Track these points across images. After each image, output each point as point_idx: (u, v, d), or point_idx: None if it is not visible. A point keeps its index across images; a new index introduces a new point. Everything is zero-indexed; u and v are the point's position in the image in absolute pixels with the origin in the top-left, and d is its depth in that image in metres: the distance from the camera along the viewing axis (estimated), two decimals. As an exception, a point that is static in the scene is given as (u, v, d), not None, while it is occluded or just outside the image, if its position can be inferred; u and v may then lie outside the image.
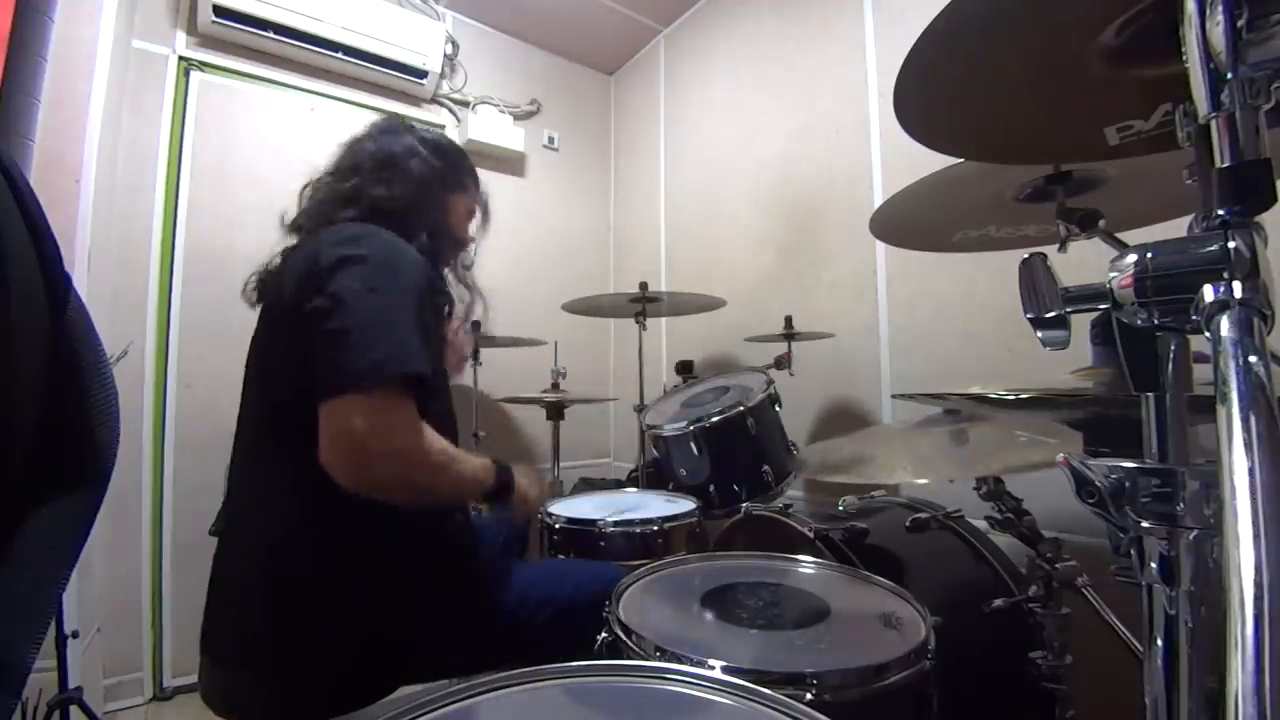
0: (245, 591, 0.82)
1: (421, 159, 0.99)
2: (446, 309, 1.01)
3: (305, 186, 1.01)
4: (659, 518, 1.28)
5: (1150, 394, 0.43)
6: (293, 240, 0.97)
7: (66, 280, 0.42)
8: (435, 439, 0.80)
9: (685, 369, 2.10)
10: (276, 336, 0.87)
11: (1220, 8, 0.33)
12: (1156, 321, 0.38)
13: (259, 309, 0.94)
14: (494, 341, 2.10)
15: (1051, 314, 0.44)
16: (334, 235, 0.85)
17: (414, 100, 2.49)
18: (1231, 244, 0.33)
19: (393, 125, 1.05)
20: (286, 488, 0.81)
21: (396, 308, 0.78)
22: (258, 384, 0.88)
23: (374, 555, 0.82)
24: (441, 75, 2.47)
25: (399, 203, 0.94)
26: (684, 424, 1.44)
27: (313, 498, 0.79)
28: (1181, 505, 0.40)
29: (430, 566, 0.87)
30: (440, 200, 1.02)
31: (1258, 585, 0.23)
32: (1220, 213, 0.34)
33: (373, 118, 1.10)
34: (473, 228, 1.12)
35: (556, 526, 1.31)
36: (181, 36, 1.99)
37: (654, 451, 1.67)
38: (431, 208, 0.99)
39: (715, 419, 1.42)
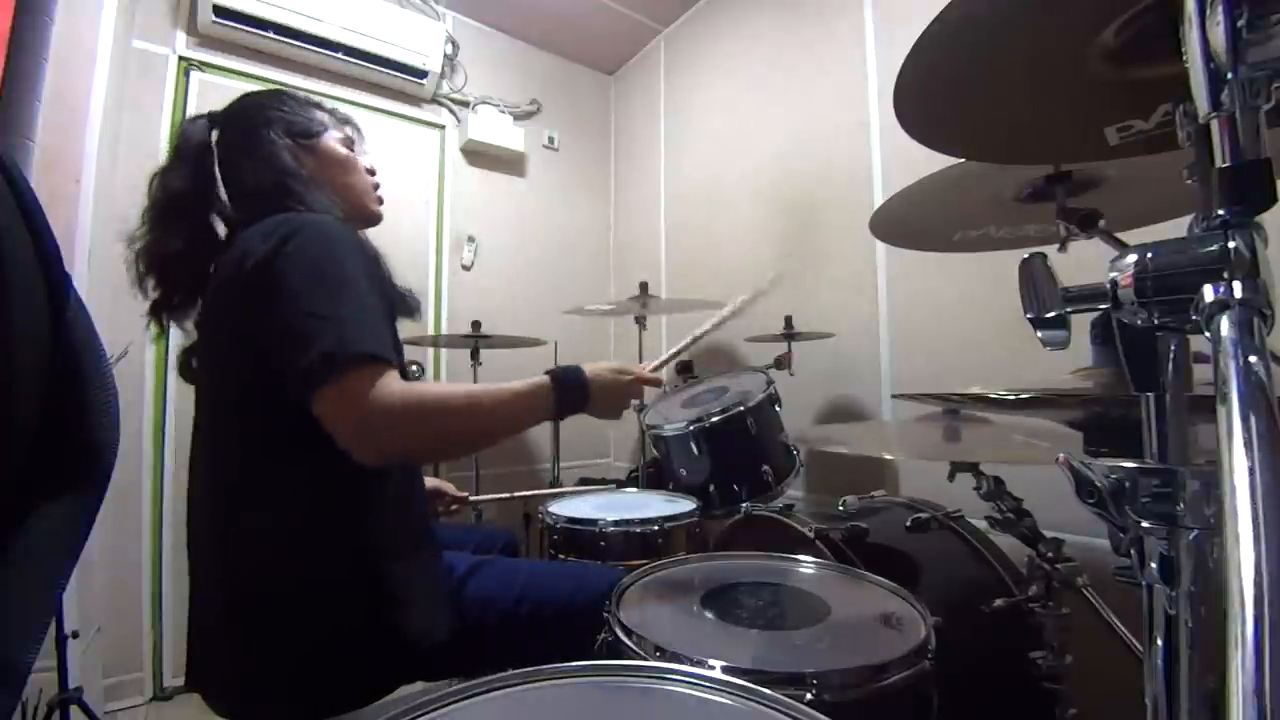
0: (237, 602, 0.79)
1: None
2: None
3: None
4: (659, 518, 1.28)
5: (1150, 394, 0.43)
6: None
7: (66, 280, 0.42)
8: (422, 389, 0.75)
9: (685, 369, 2.10)
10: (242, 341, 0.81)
11: (1220, 8, 0.33)
12: (1156, 321, 0.38)
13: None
14: (493, 341, 2.10)
15: (1051, 314, 0.44)
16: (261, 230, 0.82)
17: (414, 100, 2.49)
18: (1231, 244, 0.33)
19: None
20: (277, 490, 0.80)
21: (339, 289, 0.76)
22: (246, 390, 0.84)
23: (362, 558, 0.81)
24: (441, 75, 2.47)
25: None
26: (684, 424, 1.44)
27: (304, 499, 0.79)
28: (1181, 505, 0.40)
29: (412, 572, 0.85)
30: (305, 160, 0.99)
31: (1258, 585, 0.23)
32: (1220, 213, 0.34)
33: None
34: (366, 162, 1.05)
35: (556, 526, 1.31)
36: (181, 36, 1.99)
37: (654, 451, 1.67)
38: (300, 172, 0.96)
39: (715, 419, 1.42)
